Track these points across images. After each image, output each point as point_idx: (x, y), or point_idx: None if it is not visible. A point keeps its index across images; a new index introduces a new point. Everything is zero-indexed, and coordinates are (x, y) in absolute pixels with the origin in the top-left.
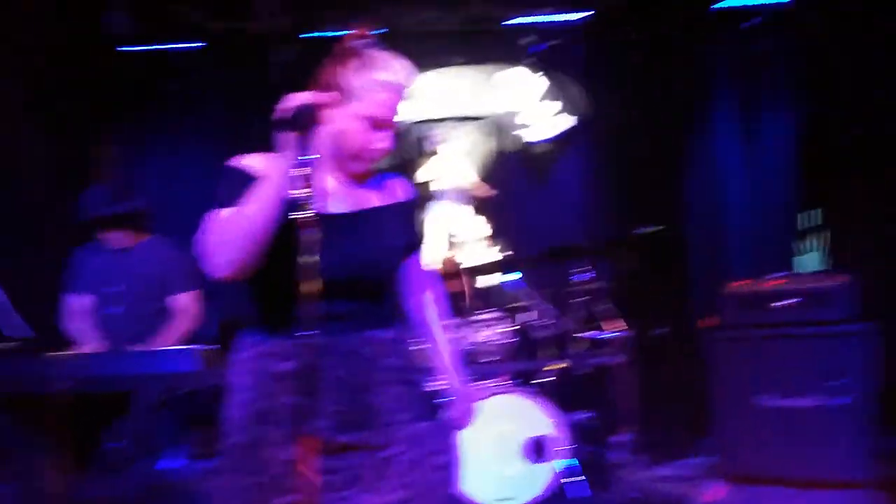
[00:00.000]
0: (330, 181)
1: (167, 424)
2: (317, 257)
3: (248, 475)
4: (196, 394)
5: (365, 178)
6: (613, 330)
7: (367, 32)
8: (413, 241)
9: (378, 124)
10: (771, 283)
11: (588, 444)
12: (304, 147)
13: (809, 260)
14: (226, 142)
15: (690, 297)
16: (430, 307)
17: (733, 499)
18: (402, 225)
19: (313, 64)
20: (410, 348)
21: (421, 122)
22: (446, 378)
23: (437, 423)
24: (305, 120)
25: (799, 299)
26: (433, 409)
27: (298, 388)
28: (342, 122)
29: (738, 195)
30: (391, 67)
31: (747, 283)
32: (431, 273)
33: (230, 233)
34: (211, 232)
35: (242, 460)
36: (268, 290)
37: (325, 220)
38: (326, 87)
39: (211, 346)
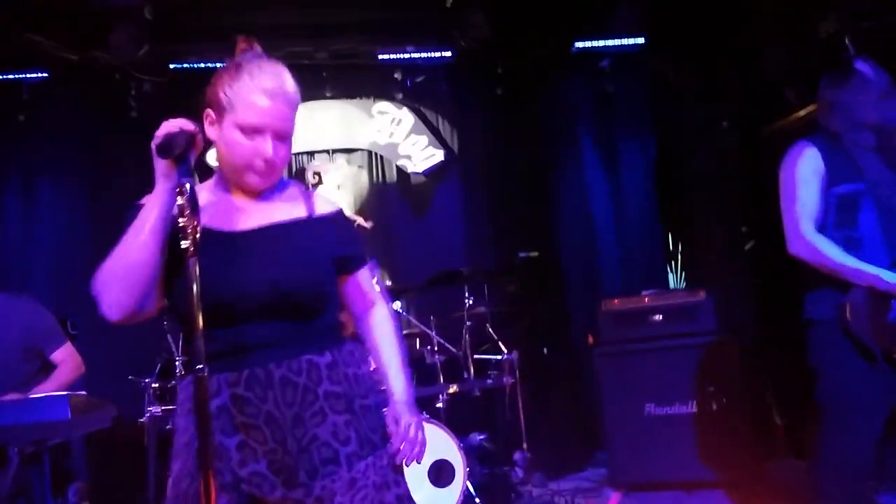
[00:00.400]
0: (233, 200)
1: (40, 478)
2: (196, 286)
3: None
4: (68, 444)
5: (269, 192)
6: (500, 352)
7: (252, 44)
8: (349, 256)
9: (255, 130)
10: (641, 300)
11: (485, 465)
12: (183, 173)
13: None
14: (82, 177)
15: (570, 316)
16: (379, 326)
17: None
18: (328, 240)
19: (178, 94)
20: (354, 372)
21: (294, 154)
22: (395, 403)
23: (382, 455)
24: (180, 145)
25: (662, 315)
26: (383, 437)
27: (221, 430)
28: (223, 135)
29: (606, 219)
30: (263, 72)
31: (620, 301)
32: (379, 289)
33: (115, 271)
34: (100, 272)
35: None
36: (183, 326)
37: (229, 238)
38: (207, 107)
39: (78, 393)
